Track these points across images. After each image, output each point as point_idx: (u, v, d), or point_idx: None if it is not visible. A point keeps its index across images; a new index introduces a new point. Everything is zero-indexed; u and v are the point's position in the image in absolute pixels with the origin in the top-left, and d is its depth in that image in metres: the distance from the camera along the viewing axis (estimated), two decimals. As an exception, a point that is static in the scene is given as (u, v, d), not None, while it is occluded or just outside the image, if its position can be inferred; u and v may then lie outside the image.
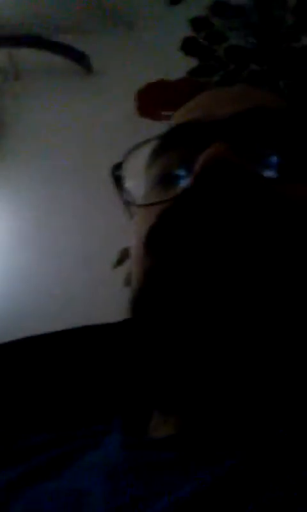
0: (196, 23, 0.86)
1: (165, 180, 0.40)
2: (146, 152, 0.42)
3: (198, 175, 0.35)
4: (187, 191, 0.37)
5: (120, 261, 0.85)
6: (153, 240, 0.38)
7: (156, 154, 0.42)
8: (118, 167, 0.42)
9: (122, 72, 1.41)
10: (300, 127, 0.39)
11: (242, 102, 0.41)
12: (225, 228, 0.34)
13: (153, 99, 1.19)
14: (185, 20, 0.88)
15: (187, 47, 0.88)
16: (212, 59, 0.65)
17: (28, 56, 1.47)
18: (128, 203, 0.42)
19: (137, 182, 0.43)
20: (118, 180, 0.42)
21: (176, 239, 0.36)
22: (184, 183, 0.38)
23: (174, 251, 0.36)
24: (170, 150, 0.40)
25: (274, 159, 0.38)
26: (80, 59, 1.45)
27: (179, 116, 0.44)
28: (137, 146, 0.43)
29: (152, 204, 0.40)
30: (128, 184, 0.42)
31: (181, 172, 0.39)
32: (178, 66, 0.94)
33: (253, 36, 0.61)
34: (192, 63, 0.88)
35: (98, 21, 1.51)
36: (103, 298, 1.12)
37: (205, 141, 0.37)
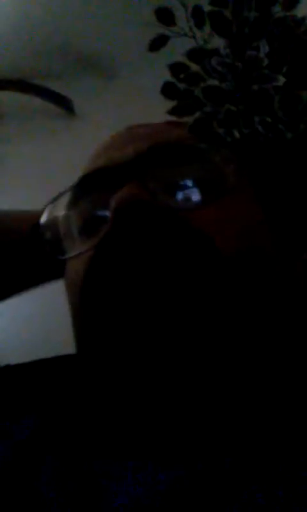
0: (174, 68, 0.89)
1: (84, 228, 0.42)
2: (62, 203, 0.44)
3: (113, 219, 0.38)
4: (106, 236, 0.39)
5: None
6: (89, 292, 0.39)
7: (72, 205, 0.44)
8: (39, 227, 0.43)
9: (103, 115, 1.45)
10: (207, 155, 0.41)
11: (145, 141, 0.44)
12: (146, 262, 0.36)
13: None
14: (163, 65, 0.91)
15: (167, 91, 0.91)
16: (190, 99, 0.67)
17: (11, 99, 1.50)
18: (52, 256, 0.43)
19: (56, 234, 0.44)
20: (39, 237, 0.43)
21: (108, 288, 0.38)
22: (102, 228, 0.40)
23: (112, 296, 0.37)
24: (83, 199, 0.43)
25: (179, 188, 0.40)
26: (63, 102, 1.49)
27: (87, 165, 0.47)
28: (53, 200, 0.45)
29: (74, 256, 0.41)
30: (49, 236, 0.44)
31: (98, 218, 0.41)
32: (158, 110, 0.96)
33: (229, 77, 0.64)
34: (172, 105, 0.90)
35: (80, 68, 1.55)
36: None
37: (114, 185, 0.39)
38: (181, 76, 0.83)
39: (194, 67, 0.91)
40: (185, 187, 0.41)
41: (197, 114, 0.74)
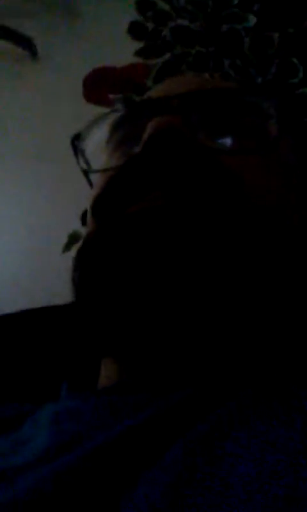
0: (141, 5, 0.85)
1: (120, 150, 0.41)
2: (105, 125, 0.43)
3: (146, 143, 0.36)
4: (133, 158, 0.37)
5: (69, 245, 0.85)
6: (97, 207, 0.38)
7: (115, 127, 0.43)
8: (78, 136, 0.43)
9: (68, 56, 1.39)
10: (249, 103, 0.40)
11: (197, 84, 0.43)
12: (167, 195, 0.35)
13: (99, 85, 1.19)
14: (130, 3, 0.87)
15: (134, 30, 0.87)
16: (159, 40, 0.64)
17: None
18: (84, 171, 0.43)
19: (96, 153, 0.44)
20: (77, 149, 0.43)
21: (117, 207, 0.36)
22: (134, 151, 0.39)
23: (114, 219, 0.36)
24: (127, 123, 0.42)
25: (223, 132, 0.39)
26: (24, 43, 1.42)
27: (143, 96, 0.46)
28: (100, 118, 0.43)
29: (101, 171, 0.40)
30: (88, 152, 0.43)
31: (134, 143, 0.40)
32: (125, 51, 0.93)
33: (199, 16, 0.61)
34: (139, 47, 0.87)
35: (42, 6, 1.48)
36: (52, 283, 1.10)
37: (158, 114, 0.38)
38: (149, 14, 0.79)
39: (162, 5, 0.87)
40: (226, 132, 0.40)
41: (166, 56, 0.71)
